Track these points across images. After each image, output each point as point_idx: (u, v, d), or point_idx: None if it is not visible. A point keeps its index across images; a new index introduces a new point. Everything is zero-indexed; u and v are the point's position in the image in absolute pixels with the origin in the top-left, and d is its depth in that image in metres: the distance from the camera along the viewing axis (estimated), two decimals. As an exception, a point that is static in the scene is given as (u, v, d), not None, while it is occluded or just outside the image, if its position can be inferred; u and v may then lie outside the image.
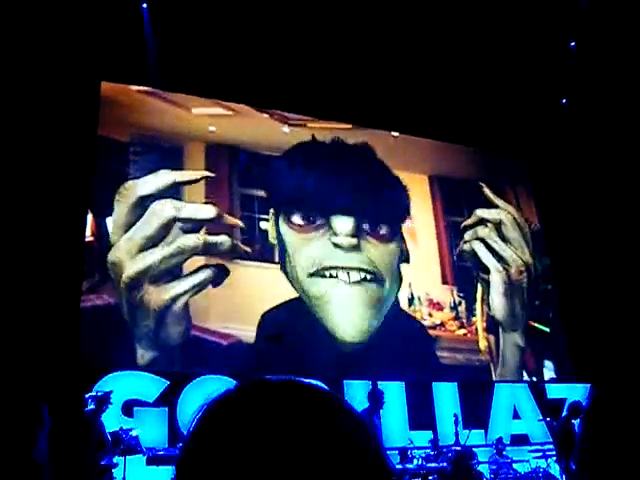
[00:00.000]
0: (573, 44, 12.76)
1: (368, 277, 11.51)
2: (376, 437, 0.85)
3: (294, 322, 11.81)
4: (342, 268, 11.00)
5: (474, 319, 13.72)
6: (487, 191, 13.52)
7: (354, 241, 11.18)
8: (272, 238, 11.72)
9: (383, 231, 11.91)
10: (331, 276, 11.06)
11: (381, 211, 12.41)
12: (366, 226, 11.77)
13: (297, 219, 11.49)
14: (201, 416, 0.84)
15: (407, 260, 13.53)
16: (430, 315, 13.38)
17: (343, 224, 11.34)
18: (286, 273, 11.48)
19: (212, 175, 11.89)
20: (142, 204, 11.03)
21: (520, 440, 12.13)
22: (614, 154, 13.52)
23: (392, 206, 12.50)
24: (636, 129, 13.17)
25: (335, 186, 11.74)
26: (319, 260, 11.17)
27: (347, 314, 11.25)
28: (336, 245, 11.06)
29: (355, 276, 11.15)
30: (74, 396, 9.50)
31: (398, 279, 12.02)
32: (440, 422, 11.65)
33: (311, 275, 11.07)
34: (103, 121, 11.77)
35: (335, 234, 11.12)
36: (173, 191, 11.78)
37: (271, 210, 12.07)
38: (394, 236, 12.51)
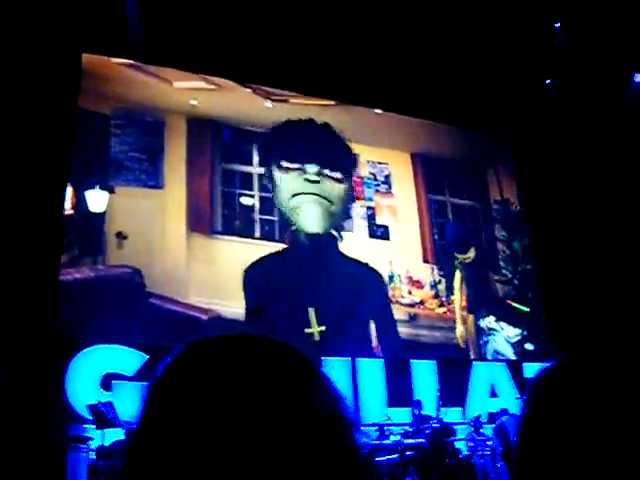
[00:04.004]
0: (558, 25, 12.74)
1: (324, 199, 13.52)
2: (330, 383, 0.84)
3: (276, 274, 12.42)
4: (309, 193, 13.34)
5: (453, 298, 13.78)
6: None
7: (317, 178, 13.47)
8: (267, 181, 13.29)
9: (336, 176, 13.78)
10: (303, 194, 13.31)
11: (335, 164, 13.88)
12: (325, 171, 13.61)
13: (285, 164, 13.35)
14: (157, 373, 0.84)
15: (387, 237, 13.61)
16: (410, 293, 13.43)
17: (311, 168, 13.43)
18: (275, 199, 13.16)
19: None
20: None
21: (496, 418, 12.20)
22: (597, 135, 13.55)
23: (343, 162, 14.01)
24: (620, 110, 13.20)
25: (307, 148, 13.74)
26: (297, 188, 13.30)
27: (309, 216, 13.21)
28: (306, 180, 13.38)
29: (316, 197, 13.44)
30: (52, 369, 9.50)
31: (346, 209, 13.81)
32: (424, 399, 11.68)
33: (292, 196, 13.16)
34: (84, 93, 11.65)
35: (306, 173, 13.42)
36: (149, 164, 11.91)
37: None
38: (343, 182, 13.86)
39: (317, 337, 12.13)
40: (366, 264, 13.25)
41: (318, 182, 13.44)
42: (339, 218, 13.50)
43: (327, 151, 13.82)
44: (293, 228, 12.95)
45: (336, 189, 13.64)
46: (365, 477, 0.81)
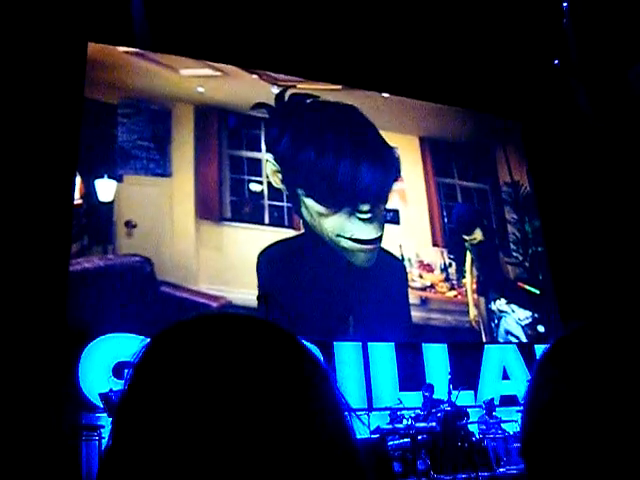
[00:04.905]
0: (565, 4, 12.64)
1: (376, 240, 13.15)
2: (318, 363, 0.83)
3: (288, 259, 12.37)
4: (363, 241, 12.95)
5: (464, 281, 13.76)
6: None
7: (370, 215, 13.08)
8: (276, 183, 12.81)
9: (383, 204, 13.50)
10: (354, 240, 12.88)
11: (383, 190, 13.60)
12: (377, 204, 13.33)
13: (322, 208, 12.85)
14: (140, 354, 0.82)
15: (397, 222, 13.57)
16: (420, 277, 13.41)
17: (364, 207, 13.07)
18: (312, 229, 12.78)
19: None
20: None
21: (509, 401, 12.20)
22: (607, 115, 13.47)
23: (389, 184, 13.77)
24: (630, 89, 13.11)
25: (352, 173, 13.27)
26: (347, 228, 12.87)
27: (359, 261, 12.87)
28: (360, 219, 12.98)
29: (372, 242, 13.04)
30: (65, 359, 9.55)
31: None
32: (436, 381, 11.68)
33: (339, 236, 12.79)
34: (90, 83, 11.66)
35: (359, 212, 13.00)
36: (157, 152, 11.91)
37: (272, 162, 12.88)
38: (387, 201, 13.66)
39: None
40: (389, 252, 13.27)
41: (372, 220, 13.18)
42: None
43: (371, 172, 13.51)
44: None
45: (383, 209, 13.51)
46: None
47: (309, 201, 12.73)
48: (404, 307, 12.99)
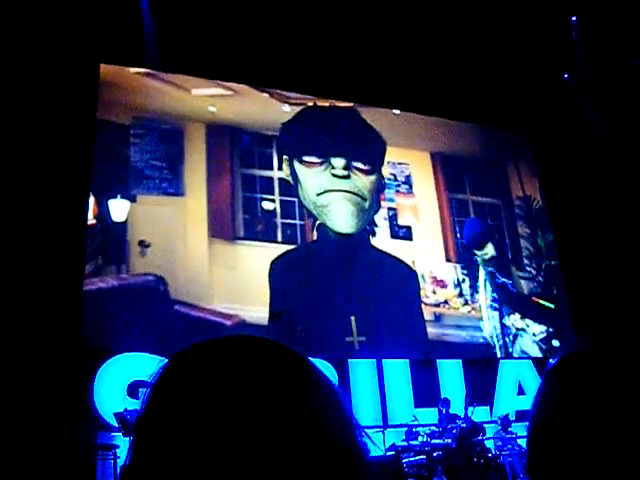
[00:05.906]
0: (574, 18, 12.66)
1: (355, 195, 13.45)
2: (328, 382, 0.84)
3: (299, 265, 12.48)
4: (338, 190, 13.32)
5: (478, 296, 13.72)
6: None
7: (345, 172, 13.41)
8: (286, 175, 13.10)
9: (365, 167, 13.72)
10: (331, 191, 13.30)
11: (364, 154, 13.87)
12: (353, 163, 13.61)
13: (307, 159, 13.28)
14: (158, 374, 0.84)
15: (410, 238, 13.57)
16: (434, 292, 13.38)
17: (338, 162, 13.38)
18: (299, 197, 13.05)
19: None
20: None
21: (525, 416, 12.12)
22: (618, 127, 13.43)
23: (372, 151, 14.04)
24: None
25: (331, 138, 13.71)
26: (323, 185, 13.23)
27: (341, 216, 13.16)
28: (334, 175, 13.31)
29: (346, 194, 13.36)
30: (80, 379, 9.57)
31: (377, 201, 13.78)
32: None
33: (318, 194, 13.08)
34: (103, 104, 11.74)
35: (333, 168, 13.29)
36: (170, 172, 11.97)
37: (284, 156, 13.15)
38: (373, 172, 13.82)
39: (357, 346, 12.11)
40: (401, 260, 13.28)
41: (347, 177, 13.38)
42: (372, 213, 13.50)
43: (353, 139, 13.75)
44: (319, 222, 12.95)
45: (367, 182, 13.60)
46: (364, 475, 0.81)
47: (297, 166, 13.21)
48: (417, 314, 12.97)
